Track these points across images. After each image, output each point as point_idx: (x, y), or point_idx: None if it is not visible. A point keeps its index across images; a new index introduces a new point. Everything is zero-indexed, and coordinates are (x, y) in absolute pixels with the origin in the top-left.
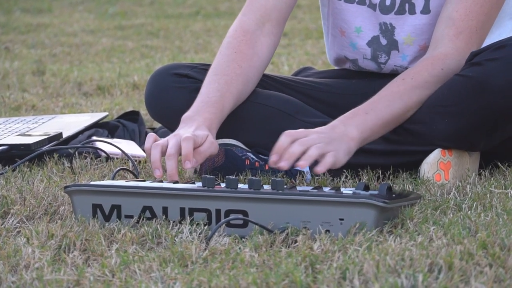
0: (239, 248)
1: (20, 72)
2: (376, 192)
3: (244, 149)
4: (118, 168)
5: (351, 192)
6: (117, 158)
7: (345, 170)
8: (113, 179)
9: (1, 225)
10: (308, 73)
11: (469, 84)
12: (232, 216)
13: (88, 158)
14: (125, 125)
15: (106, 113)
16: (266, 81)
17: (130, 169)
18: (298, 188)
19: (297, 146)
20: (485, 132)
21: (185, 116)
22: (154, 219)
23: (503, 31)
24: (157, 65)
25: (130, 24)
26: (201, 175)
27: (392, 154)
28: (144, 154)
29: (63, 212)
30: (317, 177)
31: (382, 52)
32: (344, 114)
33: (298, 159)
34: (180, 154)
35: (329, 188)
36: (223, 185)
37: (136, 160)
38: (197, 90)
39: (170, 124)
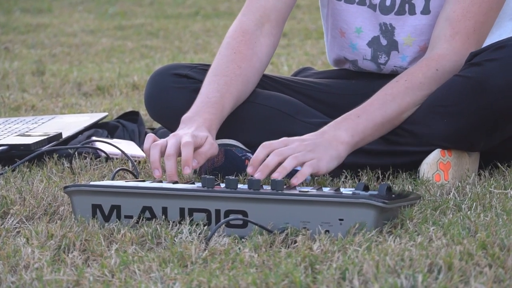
0: (239, 249)
1: (19, 72)
2: (375, 193)
3: (243, 149)
4: (118, 168)
5: (350, 192)
6: (116, 159)
7: (344, 171)
8: (112, 179)
9: (1, 225)
10: (307, 73)
11: (469, 85)
12: (231, 216)
13: (87, 158)
14: (125, 125)
15: (106, 114)
16: (266, 82)
17: (130, 169)
18: (298, 188)
19: (272, 156)
20: (485, 133)
21: (184, 117)
22: (154, 220)
23: (503, 32)
24: (156, 65)
25: (130, 24)
26: (201, 176)
27: (391, 154)
28: (144, 155)
29: (63, 212)
30: (316, 178)
31: (382, 53)
32: (336, 119)
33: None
34: (180, 155)
35: (328, 189)
36: (222, 185)
37: (135, 161)
38: (196, 90)
39: (169, 124)
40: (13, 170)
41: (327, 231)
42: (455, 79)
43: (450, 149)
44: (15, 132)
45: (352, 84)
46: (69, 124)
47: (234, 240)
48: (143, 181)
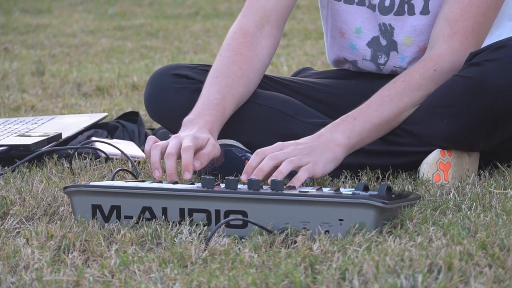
0: (239, 249)
1: (19, 72)
2: (375, 193)
3: (243, 149)
4: (118, 168)
5: (350, 192)
6: (116, 159)
7: (344, 171)
8: (112, 179)
9: (1, 226)
10: (307, 73)
11: (469, 85)
12: (231, 216)
13: (87, 158)
14: (125, 125)
15: (106, 114)
16: (266, 82)
17: (130, 169)
18: (298, 188)
19: (266, 160)
20: (485, 133)
21: (186, 119)
22: (154, 220)
23: (502, 32)
24: (156, 65)
25: (130, 25)
26: (201, 176)
27: (391, 154)
28: (144, 155)
29: (63, 212)
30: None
31: (382, 53)
32: (334, 120)
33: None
34: (180, 157)
35: (328, 189)
36: (222, 185)
37: (135, 161)
38: (196, 91)
39: (169, 124)
40: (13, 171)
41: (327, 231)
42: (455, 79)
43: (450, 149)
44: (15, 133)
45: (352, 84)
46: (68, 124)
47: (234, 240)
48: (143, 181)
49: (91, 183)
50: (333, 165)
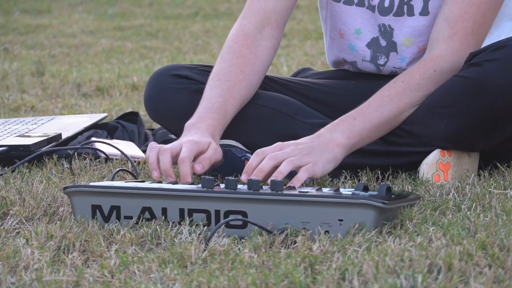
0: (239, 249)
1: (19, 73)
2: (375, 193)
3: (243, 150)
4: (118, 169)
5: (350, 192)
6: (116, 159)
7: (344, 171)
8: (112, 180)
9: (1, 226)
10: (307, 74)
11: (468, 85)
12: (231, 217)
13: (87, 159)
14: (124, 126)
15: (105, 114)
16: (265, 82)
17: (129, 170)
18: (298, 189)
19: (267, 160)
20: (485, 133)
21: (188, 123)
22: (154, 220)
23: (502, 32)
24: (156, 66)
25: (129, 25)
26: (200, 176)
27: (391, 154)
28: (143, 155)
29: (63, 213)
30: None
31: (381, 54)
32: (334, 120)
33: (271, 174)
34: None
35: (328, 189)
36: (222, 186)
37: (135, 161)
38: (196, 91)
39: (169, 125)
40: (13, 171)
41: (326, 231)
42: (455, 79)
43: (449, 149)
44: (15, 133)
45: (352, 84)
46: (68, 124)
47: (234, 240)
48: (143, 181)
49: (91, 184)
50: (333, 165)
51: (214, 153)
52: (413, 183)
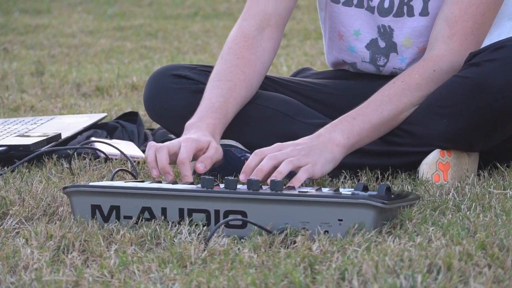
0: (238, 249)
1: (19, 73)
2: (375, 193)
3: (243, 150)
4: (117, 169)
5: (350, 192)
6: (116, 159)
7: (344, 171)
8: (112, 180)
9: (0, 226)
10: (306, 74)
11: (468, 85)
12: (231, 216)
13: (87, 159)
14: (124, 126)
15: (105, 114)
16: (265, 82)
17: (129, 170)
18: (297, 189)
19: (266, 161)
20: (484, 133)
21: (188, 123)
22: (153, 220)
23: (502, 32)
24: (155, 66)
25: (129, 25)
26: (200, 176)
27: (391, 154)
28: (143, 155)
29: (62, 213)
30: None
31: (381, 55)
32: (333, 120)
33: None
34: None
35: (328, 189)
36: (222, 185)
37: (135, 161)
38: (196, 91)
39: (168, 125)
40: (12, 171)
41: (326, 231)
42: (455, 79)
43: (449, 149)
44: (14, 133)
45: (352, 84)
46: (68, 124)
47: (234, 240)
48: (142, 181)
49: (91, 183)
50: (332, 165)
51: (215, 152)
52: (412, 183)
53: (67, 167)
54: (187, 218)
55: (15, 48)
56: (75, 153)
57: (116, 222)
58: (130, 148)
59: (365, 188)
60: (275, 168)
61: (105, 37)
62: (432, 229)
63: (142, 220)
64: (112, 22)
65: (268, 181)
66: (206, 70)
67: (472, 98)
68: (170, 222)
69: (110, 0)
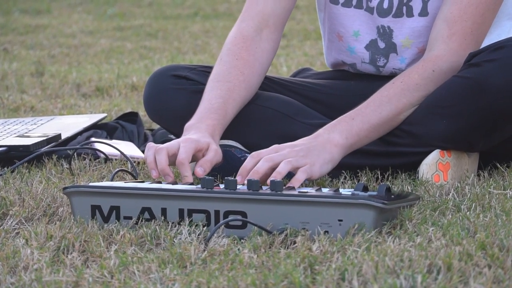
0: (238, 249)
1: (18, 73)
2: (375, 193)
3: (243, 150)
4: (117, 169)
5: (350, 193)
6: (115, 159)
7: (344, 171)
8: (112, 180)
9: (0, 227)
10: (306, 74)
11: (468, 85)
12: (231, 217)
13: (87, 159)
14: (124, 126)
15: (105, 114)
16: (265, 83)
17: (129, 170)
18: (297, 189)
19: (262, 162)
20: (484, 133)
21: (188, 124)
22: (153, 220)
23: (501, 31)
24: (155, 66)
25: (129, 25)
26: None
27: (390, 155)
28: (143, 155)
29: (62, 213)
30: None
31: (380, 56)
32: (331, 122)
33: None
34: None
35: (328, 189)
36: (222, 186)
37: (134, 161)
38: (196, 92)
39: (168, 125)
40: (12, 171)
41: (326, 231)
42: (454, 79)
43: (449, 149)
44: (14, 133)
45: (351, 85)
46: (68, 125)
47: (234, 241)
48: (142, 182)
49: (91, 184)
50: (330, 165)
51: (215, 155)
52: (412, 183)
53: (67, 168)
54: (187, 219)
55: (15, 48)
56: (75, 154)
57: (116, 223)
58: (130, 149)
59: (365, 189)
60: (271, 169)
61: (105, 37)
62: (432, 230)
63: (142, 221)
64: (112, 22)
65: (268, 181)
66: (206, 71)
67: (472, 98)
68: (170, 222)
69: (110, 0)
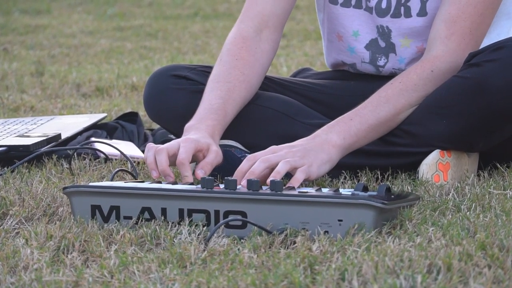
0: (238, 249)
1: (18, 73)
2: (375, 193)
3: (243, 150)
4: (117, 169)
5: (350, 193)
6: (115, 159)
7: (343, 171)
8: (112, 180)
9: (0, 226)
10: (306, 74)
11: (468, 85)
12: (231, 217)
13: (86, 159)
14: (124, 126)
15: (105, 114)
16: (265, 83)
17: (129, 170)
18: (297, 189)
19: (258, 163)
20: (484, 133)
21: (187, 125)
22: (153, 220)
23: (501, 31)
24: (155, 66)
25: (129, 25)
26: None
27: (390, 155)
28: (143, 155)
29: (62, 213)
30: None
31: (381, 55)
32: (330, 122)
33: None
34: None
35: (328, 189)
36: (221, 186)
37: (134, 161)
38: (196, 92)
39: (168, 125)
40: (12, 171)
41: (326, 231)
42: (454, 80)
43: (449, 150)
44: (14, 133)
45: (351, 85)
46: (68, 125)
47: (233, 240)
48: (142, 181)
49: (91, 184)
50: (328, 166)
51: (215, 157)
52: (412, 183)
53: (67, 168)
54: (187, 219)
55: (15, 48)
56: (75, 154)
57: (116, 223)
58: (130, 149)
59: (365, 189)
60: (268, 170)
61: (105, 38)
62: (432, 230)
63: (142, 221)
64: (112, 22)
65: (268, 181)
66: (206, 71)
67: (472, 98)
68: (170, 222)
69: (110, 1)
